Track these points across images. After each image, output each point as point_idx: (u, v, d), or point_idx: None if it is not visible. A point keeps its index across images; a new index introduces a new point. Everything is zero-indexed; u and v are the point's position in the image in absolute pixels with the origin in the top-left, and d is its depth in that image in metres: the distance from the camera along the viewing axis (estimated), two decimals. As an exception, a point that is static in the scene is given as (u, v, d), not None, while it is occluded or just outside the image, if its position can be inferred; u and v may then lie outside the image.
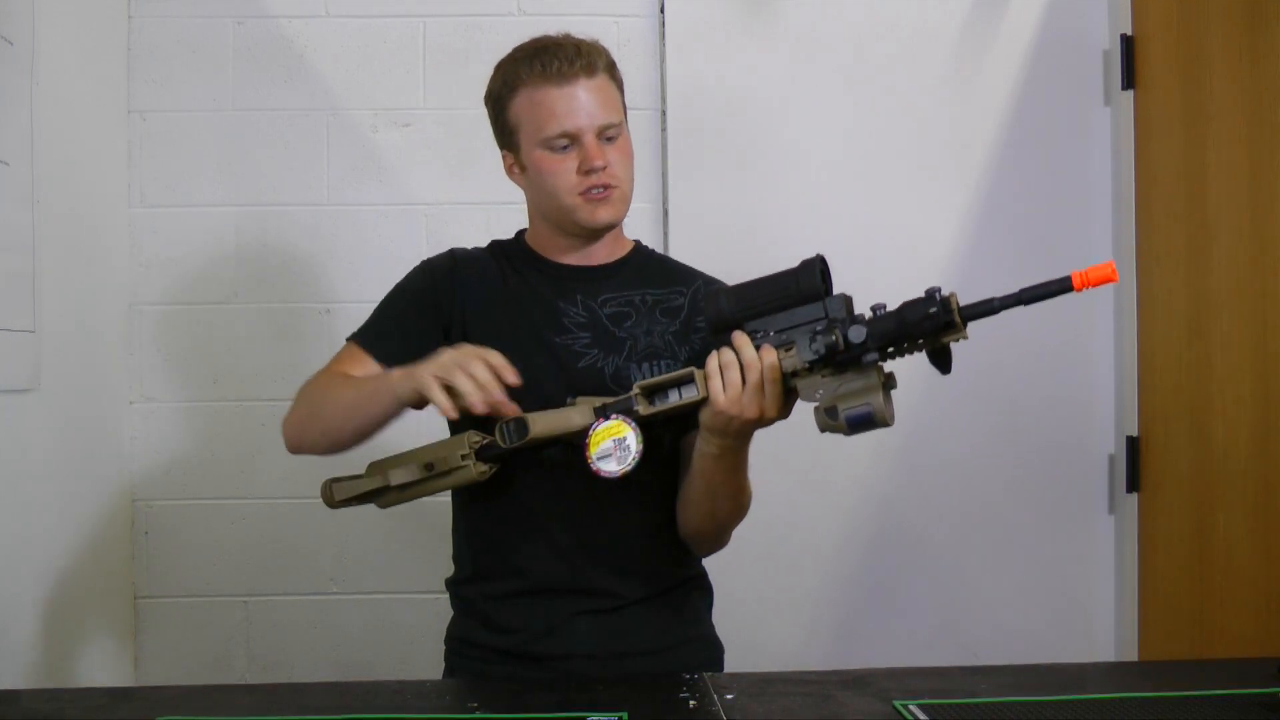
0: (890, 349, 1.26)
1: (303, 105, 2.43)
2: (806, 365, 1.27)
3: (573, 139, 1.44)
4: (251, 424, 2.42)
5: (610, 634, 1.46)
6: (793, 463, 2.42)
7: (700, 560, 1.59)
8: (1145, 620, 2.36)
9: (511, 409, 1.33)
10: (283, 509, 2.42)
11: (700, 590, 1.58)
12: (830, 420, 1.26)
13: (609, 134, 1.45)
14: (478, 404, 1.31)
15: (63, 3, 2.07)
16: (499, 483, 1.49)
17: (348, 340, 1.56)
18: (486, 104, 1.53)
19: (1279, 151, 1.94)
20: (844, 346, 1.25)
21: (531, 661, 1.46)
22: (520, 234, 1.60)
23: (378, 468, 1.47)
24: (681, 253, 1.82)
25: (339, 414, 1.46)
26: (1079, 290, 1.19)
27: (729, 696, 1.26)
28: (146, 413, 2.41)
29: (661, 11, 2.45)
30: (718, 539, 1.50)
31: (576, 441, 1.35)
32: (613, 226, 1.50)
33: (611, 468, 1.33)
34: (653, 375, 1.42)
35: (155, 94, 2.42)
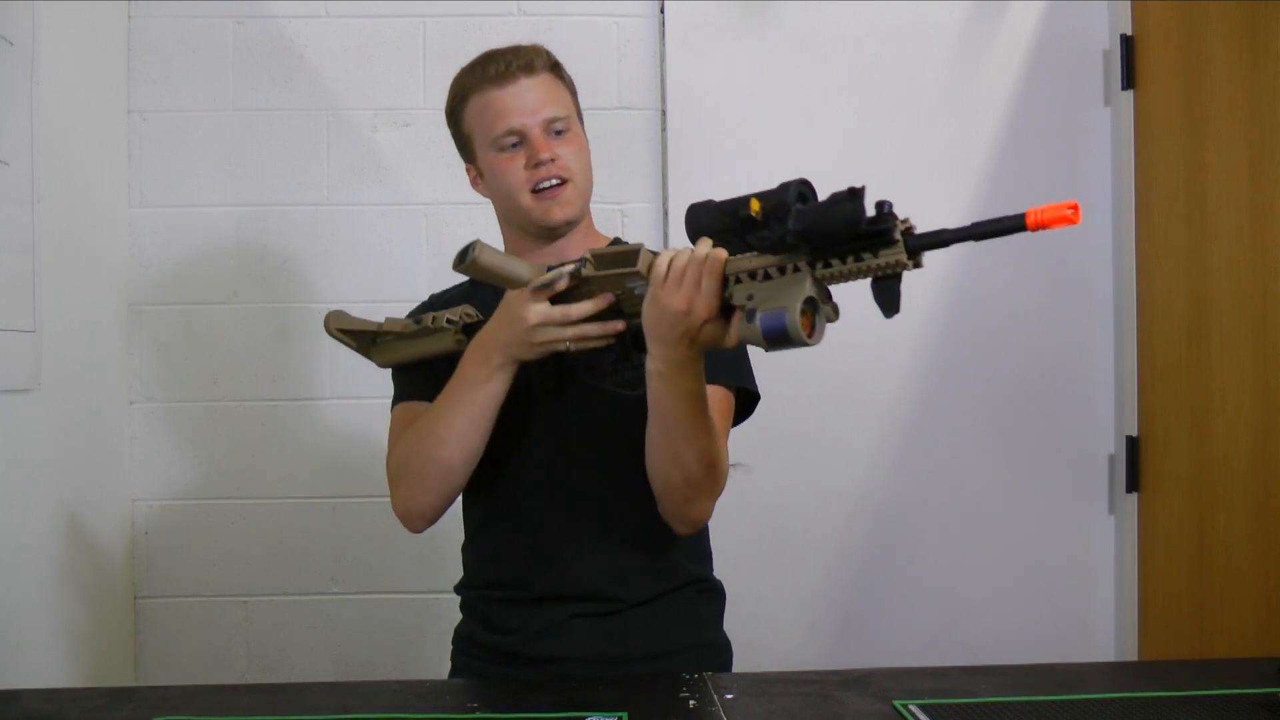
0: (827, 262, 1.13)
1: (303, 105, 2.43)
2: (749, 273, 1.19)
3: (520, 136, 1.45)
4: (251, 424, 2.42)
5: (609, 638, 1.46)
6: (793, 463, 2.42)
7: (707, 562, 1.58)
8: (1145, 620, 2.36)
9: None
10: (283, 509, 2.42)
11: (706, 594, 1.56)
12: (748, 325, 1.16)
13: (556, 127, 1.46)
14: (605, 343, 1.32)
15: (63, 3, 2.07)
16: (500, 489, 1.50)
17: (394, 408, 1.55)
18: (447, 121, 1.54)
19: (1279, 151, 1.94)
20: (769, 232, 1.14)
21: (529, 663, 1.46)
22: None
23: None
24: (681, 253, 1.82)
25: (458, 449, 1.40)
26: (1033, 230, 1.08)
27: (729, 696, 1.26)
28: (146, 413, 2.41)
29: (661, 11, 2.45)
30: (689, 502, 1.40)
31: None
32: (572, 224, 1.49)
33: None
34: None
35: (155, 94, 2.42)
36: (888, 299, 1.13)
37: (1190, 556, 2.19)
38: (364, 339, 1.53)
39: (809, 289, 1.14)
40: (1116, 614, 2.45)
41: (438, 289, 1.66)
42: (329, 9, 2.44)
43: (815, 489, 2.44)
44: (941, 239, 1.11)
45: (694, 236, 1.22)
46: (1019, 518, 2.46)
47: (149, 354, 2.42)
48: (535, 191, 1.46)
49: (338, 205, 2.44)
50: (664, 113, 2.44)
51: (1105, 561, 2.46)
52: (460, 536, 1.62)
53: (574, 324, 1.32)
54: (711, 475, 1.37)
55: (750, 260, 1.18)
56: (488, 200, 1.57)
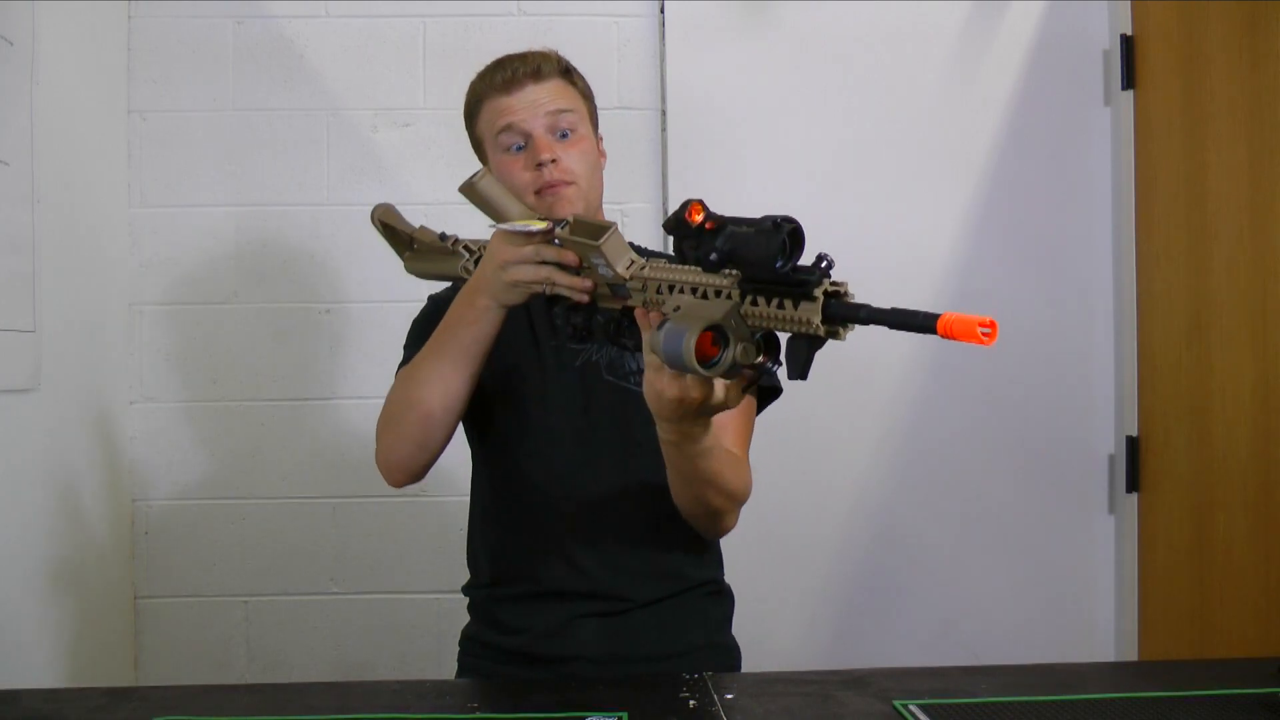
0: (755, 299, 1.04)
1: (303, 105, 2.43)
2: (691, 287, 1.11)
3: (524, 137, 1.46)
4: (251, 424, 2.42)
5: (616, 638, 1.46)
6: (793, 462, 2.42)
7: (717, 566, 1.58)
8: (1145, 620, 2.36)
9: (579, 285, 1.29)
10: (283, 509, 2.42)
11: (714, 596, 1.56)
12: (655, 334, 1.08)
13: (562, 128, 1.46)
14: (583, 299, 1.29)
15: (63, 3, 2.07)
16: (507, 487, 1.50)
17: (397, 372, 1.52)
18: (465, 125, 1.57)
19: (1279, 151, 1.94)
20: (701, 245, 1.06)
21: (536, 663, 1.46)
22: None
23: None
24: (682, 253, 1.82)
25: (437, 393, 1.37)
26: (942, 336, 0.97)
27: (729, 696, 1.26)
28: (146, 413, 2.41)
29: (661, 11, 2.45)
30: (714, 523, 1.43)
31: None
32: None
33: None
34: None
35: (155, 94, 2.42)
36: (795, 360, 1.04)
37: (1190, 556, 2.19)
38: (401, 240, 1.55)
39: (720, 317, 1.05)
40: (1116, 614, 2.45)
41: (437, 289, 1.66)
42: (329, 9, 2.44)
43: (815, 489, 2.44)
44: (859, 315, 1.01)
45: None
46: (1019, 518, 2.46)
47: (149, 354, 2.42)
48: (538, 192, 1.46)
49: (338, 205, 2.44)
50: (664, 113, 2.44)
51: (1105, 561, 2.46)
52: (462, 538, 1.62)
53: (545, 265, 1.28)
54: (734, 500, 1.40)
55: (692, 274, 1.11)
56: (490, 201, 1.57)
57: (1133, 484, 2.40)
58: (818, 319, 1.00)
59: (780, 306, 1.02)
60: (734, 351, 1.06)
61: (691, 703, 1.24)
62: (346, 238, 2.43)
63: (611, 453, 1.46)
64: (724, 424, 1.43)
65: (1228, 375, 2.08)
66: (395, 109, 2.44)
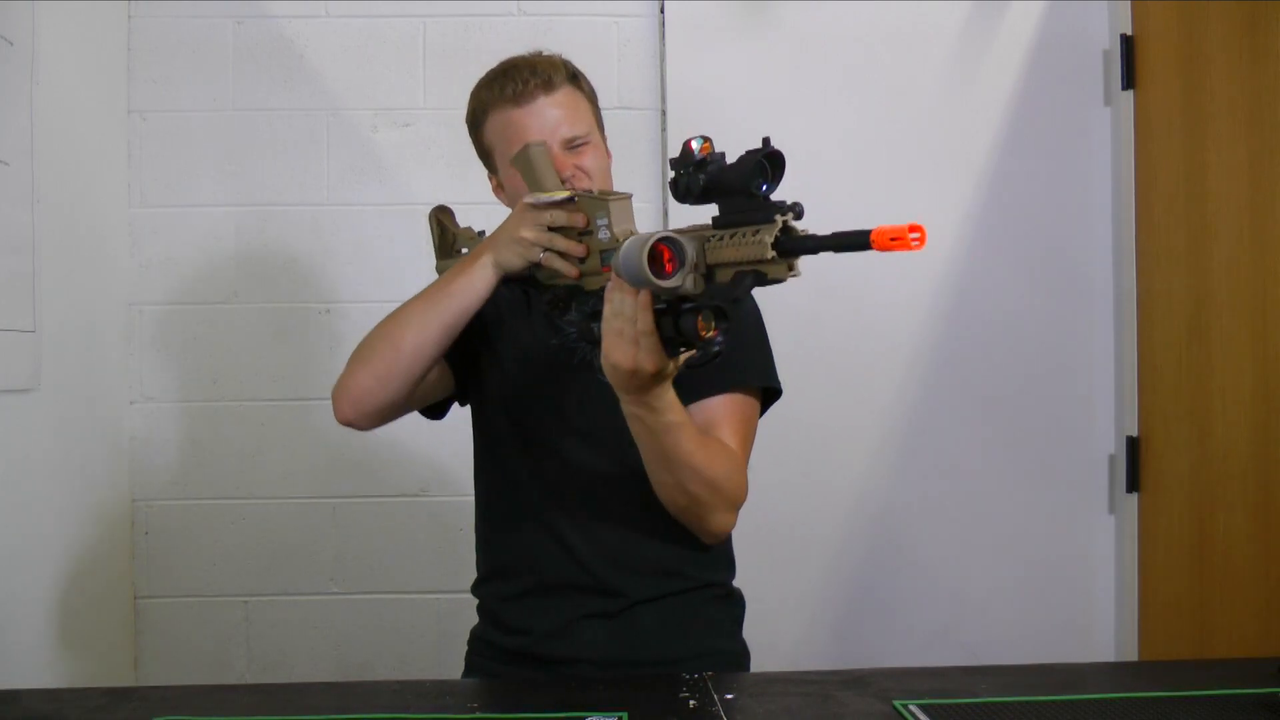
0: (720, 236, 1.11)
1: (303, 105, 2.43)
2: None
3: None
4: (251, 424, 2.42)
5: (621, 640, 1.46)
6: (793, 463, 2.42)
7: (723, 568, 1.57)
8: (1145, 620, 2.36)
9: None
10: (283, 509, 2.42)
11: (721, 600, 1.55)
12: (617, 255, 1.15)
13: (576, 144, 1.46)
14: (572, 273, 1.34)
15: (63, 3, 2.07)
16: (507, 483, 1.51)
17: None
18: (468, 130, 1.55)
19: (1279, 151, 1.94)
20: (694, 176, 1.13)
21: (540, 664, 1.46)
22: None
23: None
24: (681, 253, 1.82)
25: (411, 329, 1.38)
26: (876, 249, 1.00)
27: (729, 696, 1.26)
28: (146, 413, 2.41)
29: (661, 11, 2.45)
30: (702, 519, 1.42)
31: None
32: None
33: None
34: None
35: (155, 94, 2.42)
36: (736, 286, 1.09)
37: (1190, 556, 2.19)
38: (445, 241, 1.58)
39: (671, 232, 1.13)
40: (1116, 614, 2.45)
41: None
42: (329, 9, 2.44)
43: (815, 489, 2.44)
44: (807, 245, 1.06)
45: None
46: (1019, 517, 2.46)
47: (149, 354, 2.42)
48: None
49: (338, 205, 2.44)
50: (664, 113, 2.44)
51: (1105, 561, 2.46)
52: (463, 538, 1.62)
53: (549, 231, 1.34)
54: (719, 492, 1.38)
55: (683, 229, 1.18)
56: (490, 201, 1.57)
57: (1133, 484, 2.40)
58: (770, 239, 1.05)
59: (743, 239, 1.08)
60: (689, 274, 1.12)
61: (691, 703, 1.24)
62: (346, 238, 2.43)
63: (610, 449, 1.46)
64: (717, 420, 1.44)
65: (1228, 375, 2.08)
66: (395, 109, 2.44)
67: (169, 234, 2.42)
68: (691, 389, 1.44)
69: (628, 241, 1.14)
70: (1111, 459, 2.46)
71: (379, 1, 2.44)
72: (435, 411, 1.58)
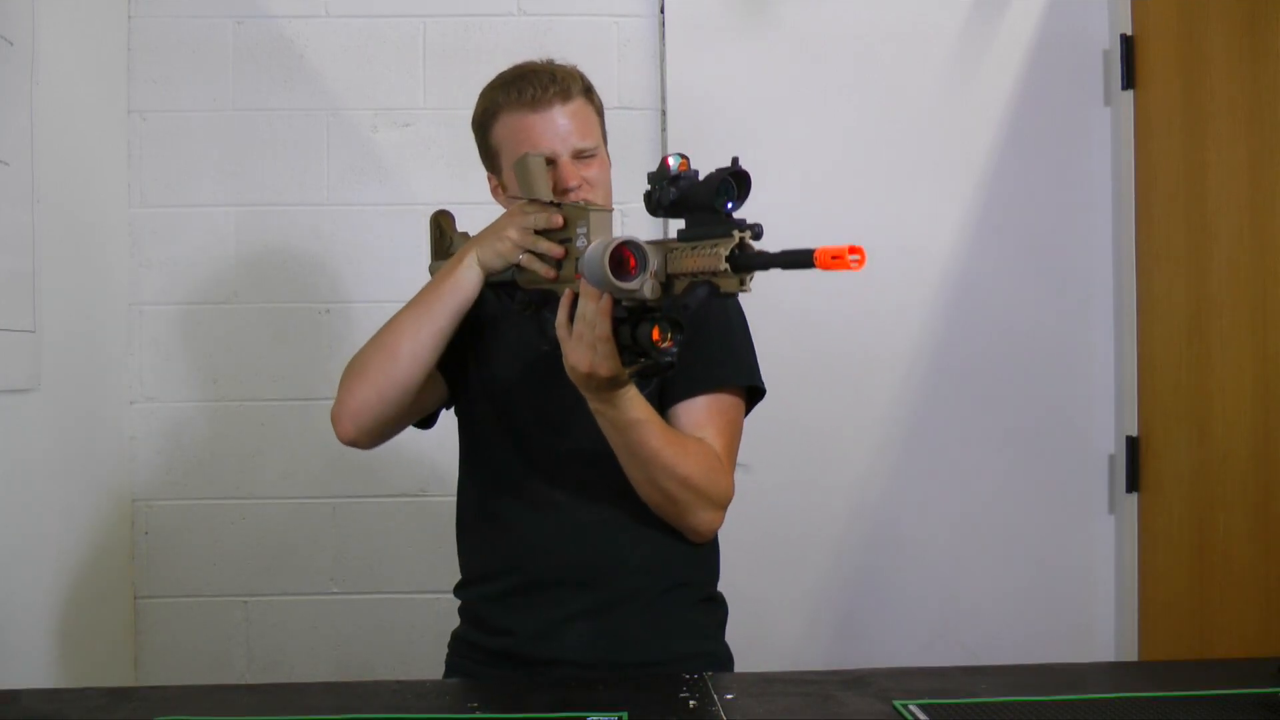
0: (682, 249, 1.16)
1: (303, 105, 2.43)
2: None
3: (549, 162, 1.46)
4: (251, 424, 2.42)
5: (606, 641, 1.46)
6: (793, 463, 2.42)
7: (707, 570, 1.57)
8: (1145, 620, 2.36)
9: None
10: (283, 509, 2.42)
11: (705, 603, 1.56)
12: (583, 259, 1.21)
13: (585, 155, 1.48)
14: (549, 274, 1.37)
15: (63, 3, 2.07)
16: (494, 482, 1.50)
17: None
18: (472, 128, 1.56)
19: (1279, 151, 1.94)
20: (665, 192, 1.18)
21: (524, 665, 1.46)
22: None
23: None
24: (681, 253, 1.82)
25: (406, 337, 1.41)
26: (819, 268, 1.03)
27: (729, 696, 1.26)
28: (146, 413, 2.41)
29: (661, 11, 2.45)
30: (682, 517, 1.44)
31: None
32: None
33: None
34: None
35: (155, 94, 2.42)
36: (689, 296, 1.14)
37: (1190, 556, 2.19)
38: (442, 244, 1.61)
39: (636, 239, 1.18)
40: (1116, 614, 2.45)
41: None
42: (329, 9, 2.44)
43: (815, 489, 2.44)
44: (757, 261, 1.10)
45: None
46: (1019, 518, 2.46)
47: (149, 354, 2.42)
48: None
49: (338, 205, 2.44)
50: (664, 113, 2.44)
51: (1105, 561, 2.46)
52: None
53: (531, 232, 1.38)
54: (693, 489, 1.40)
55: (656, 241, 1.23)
56: (489, 202, 1.57)
57: (1133, 484, 2.40)
58: (725, 253, 1.10)
59: (702, 251, 1.13)
60: (649, 280, 1.17)
61: (691, 703, 1.24)
62: (346, 238, 2.43)
63: (596, 449, 1.46)
64: (701, 420, 1.45)
65: (1228, 375, 2.08)
66: (395, 109, 2.44)
67: (169, 234, 2.42)
68: (675, 389, 1.46)
69: (593, 244, 1.19)
70: (1111, 459, 2.46)
71: (379, 1, 2.44)
72: (427, 422, 1.59)
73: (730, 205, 1.14)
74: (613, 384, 1.26)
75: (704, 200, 1.15)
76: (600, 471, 1.44)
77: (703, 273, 1.13)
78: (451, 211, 1.62)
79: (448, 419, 1.61)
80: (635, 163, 2.43)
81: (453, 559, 1.62)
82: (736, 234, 1.10)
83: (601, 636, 1.46)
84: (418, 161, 2.43)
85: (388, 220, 2.43)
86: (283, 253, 2.43)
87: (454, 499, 1.61)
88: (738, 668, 1.53)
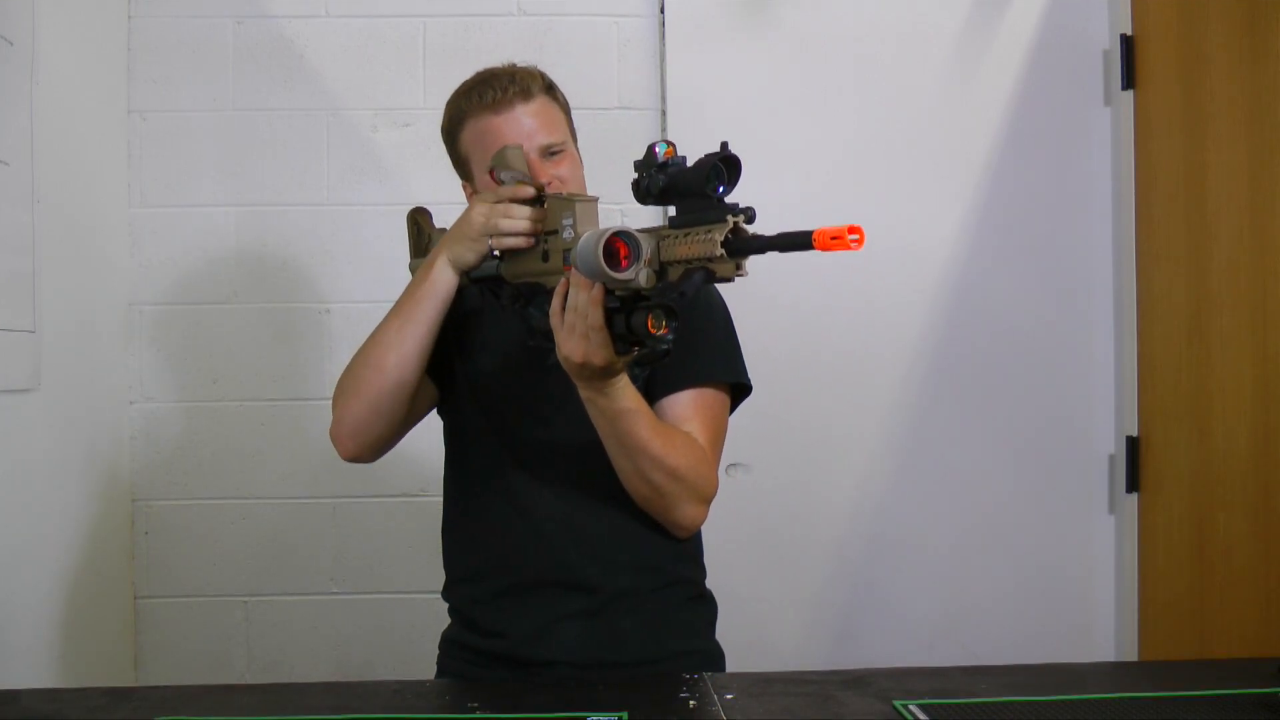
0: (674, 235, 1.17)
1: (303, 105, 2.43)
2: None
3: None
4: (251, 424, 2.42)
5: (598, 642, 1.46)
6: (792, 463, 2.42)
7: (696, 568, 1.57)
8: (1145, 620, 2.36)
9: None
10: (283, 509, 2.42)
11: (695, 601, 1.56)
12: (574, 251, 1.21)
13: (552, 151, 1.48)
14: (524, 241, 1.38)
15: (63, 3, 2.07)
16: (482, 482, 1.51)
17: None
18: (442, 139, 1.57)
19: (1279, 151, 1.94)
20: (652, 178, 1.19)
21: (517, 666, 1.46)
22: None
23: None
24: (681, 253, 1.82)
25: (390, 349, 1.42)
26: (818, 249, 1.03)
27: (729, 696, 1.26)
28: (146, 413, 2.42)
29: (661, 11, 2.45)
30: (667, 509, 1.43)
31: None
32: None
33: None
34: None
35: (155, 94, 2.42)
36: (686, 282, 1.14)
37: (1190, 556, 2.19)
38: (420, 242, 1.62)
39: (628, 228, 1.18)
40: (1116, 614, 2.45)
41: None
42: (329, 9, 2.44)
43: (815, 489, 2.44)
44: (753, 244, 1.10)
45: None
46: (1019, 518, 2.46)
47: (149, 354, 2.42)
48: None
49: (338, 205, 2.44)
50: (664, 113, 2.44)
51: (1105, 561, 2.46)
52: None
53: (500, 206, 1.38)
54: (680, 482, 1.40)
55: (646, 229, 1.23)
56: (485, 202, 1.57)
57: (1133, 484, 2.40)
58: (720, 238, 1.10)
59: (695, 237, 1.13)
60: (643, 268, 1.17)
61: (691, 703, 1.24)
62: (346, 238, 2.43)
63: (584, 444, 1.46)
64: (686, 416, 1.45)
65: (1228, 375, 2.08)
66: (395, 109, 2.44)
67: (169, 234, 2.42)
68: (660, 384, 1.46)
69: (585, 235, 1.19)
70: (1111, 459, 2.46)
71: (379, 1, 2.44)
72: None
73: (722, 189, 1.14)
74: (606, 373, 1.27)
75: (694, 186, 1.15)
76: (587, 467, 1.44)
77: (697, 259, 1.13)
78: (428, 209, 1.62)
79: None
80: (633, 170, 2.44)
81: (453, 559, 1.62)
82: (730, 218, 1.10)
83: (594, 637, 1.46)
84: (418, 161, 2.43)
85: (388, 220, 2.42)
86: (283, 253, 2.43)
87: (454, 499, 1.61)
88: (738, 668, 1.53)
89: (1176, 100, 2.25)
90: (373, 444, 1.48)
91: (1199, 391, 2.16)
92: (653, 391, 1.46)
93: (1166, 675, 1.40)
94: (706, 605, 1.58)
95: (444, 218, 2.56)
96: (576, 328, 1.23)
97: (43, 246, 1.96)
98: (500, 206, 1.38)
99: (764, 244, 1.08)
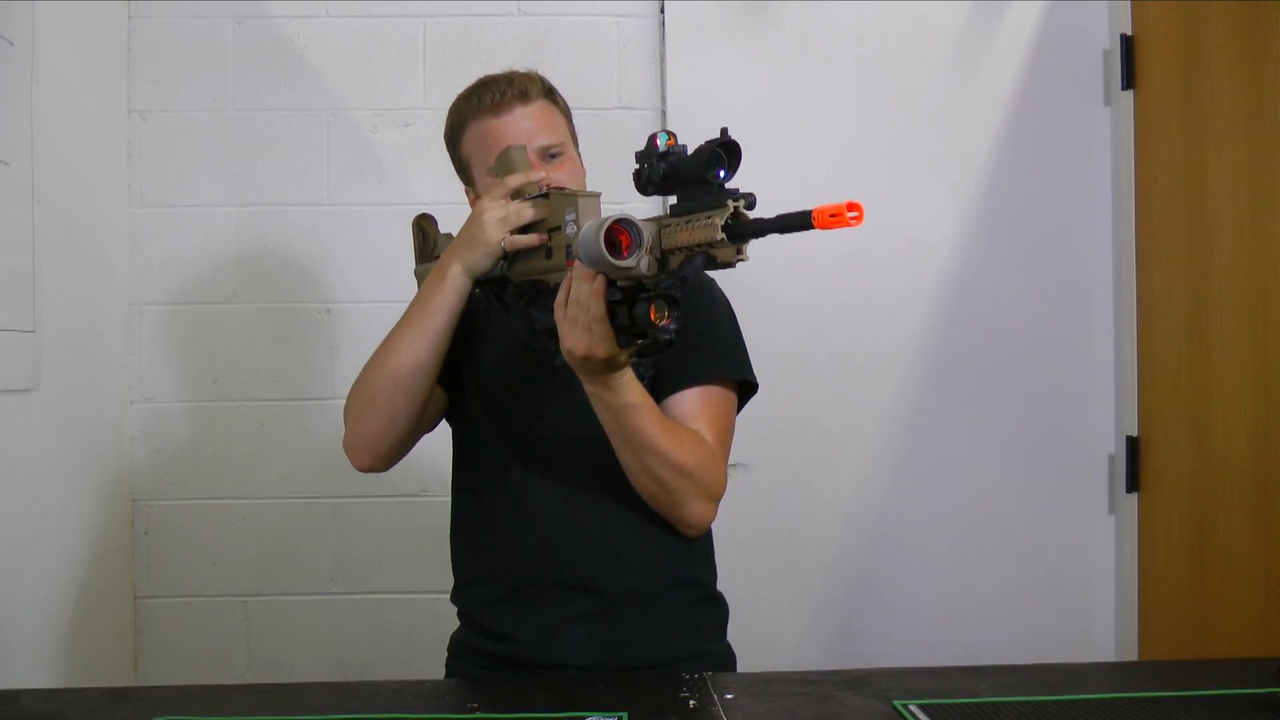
0: (675, 224, 1.17)
1: (303, 105, 2.43)
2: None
3: None
4: (251, 424, 2.42)
5: (606, 644, 1.46)
6: (793, 463, 2.42)
7: (705, 569, 1.57)
8: (1145, 620, 2.36)
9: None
10: (283, 509, 2.42)
11: (704, 602, 1.55)
12: (576, 240, 1.22)
13: (551, 153, 1.49)
14: (538, 239, 1.37)
15: (63, 3, 2.07)
16: (489, 484, 1.50)
17: None
18: (446, 146, 1.57)
19: (1279, 151, 1.94)
20: (653, 167, 1.19)
21: (525, 669, 1.46)
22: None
23: None
24: (682, 253, 1.82)
25: (405, 358, 1.42)
26: (818, 228, 1.03)
27: (729, 696, 1.26)
28: (146, 413, 2.42)
29: (661, 11, 2.45)
30: (675, 506, 1.43)
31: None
32: None
33: None
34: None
35: (155, 94, 2.42)
36: (688, 267, 1.14)
37: (1190, 556, 2.19)
38: (425, 248, 1.61)
39: (629, 215, 1.18)
40: (1116, 614, 2.45)
41: None
42: (329, 9, 2.44)
43: (815, 489, 2.44)
44: (753, 228, 1.10)
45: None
46: (1019, 518, 2.46)
47: (149, 354, 2.42)
48: None
49: (338, 205, 2.44)
50: (664, 113, 2.44)
51: (1105, 561, 2.46)
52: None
53: (512, 203, 1.38)
54: (688, 478, 1.39)
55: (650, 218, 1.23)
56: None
57: (1133, 484, 2.40)
58: (720, 223, 1.10)
59: (696, 223, 1.13)
60: (645, 256, 1.18)
61: (691, 703, 1.24)
62: (346, 238, 2.43)
63: (591, 443, 1.46)
64: (692, 413, 1.44)
65: (1228, 375, 2.08)
66: (395, 109, 2.44)
67: (169, 234, 2.42)
68: (666, 382, 1.46)
69: (586, 225, 1.20)
70: (1111, 459, 2.46)
71: (379, 1, 2.44)
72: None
73: (723, 174, 1.13)
74: (610, 366, 1.26)
75: (695, 173, 1.14)
76: (594, 467, 1.44)
77: (699, 245, 1.13)
78: (433, 215, 1.62)
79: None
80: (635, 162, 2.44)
81: (452, 559, 1.62)
82: (730, 203, 1.10)
83: (602, 639, 1.45)
84: (418, 161, 2.43)
85: (388, 220, 2.43)
86: (283, 253, 2.43)
87: (454, 499, 1.61)
88: (738, 668, 1.53)
89: (1176, 100, 2.25)
90: (386, 454, 1.48)
91: (1199, 391, 2.16)
92: (659, 389, 1.46)
93: (1166, 675, 1.40)
94: (716, 607, 1.57)
95: (445, 218, 2.56)
96: (579, 320, 1.23)
97: (43, 246, 1.96)
98: (515, 205, 1.38)
99: (764, 226, 1.08)
